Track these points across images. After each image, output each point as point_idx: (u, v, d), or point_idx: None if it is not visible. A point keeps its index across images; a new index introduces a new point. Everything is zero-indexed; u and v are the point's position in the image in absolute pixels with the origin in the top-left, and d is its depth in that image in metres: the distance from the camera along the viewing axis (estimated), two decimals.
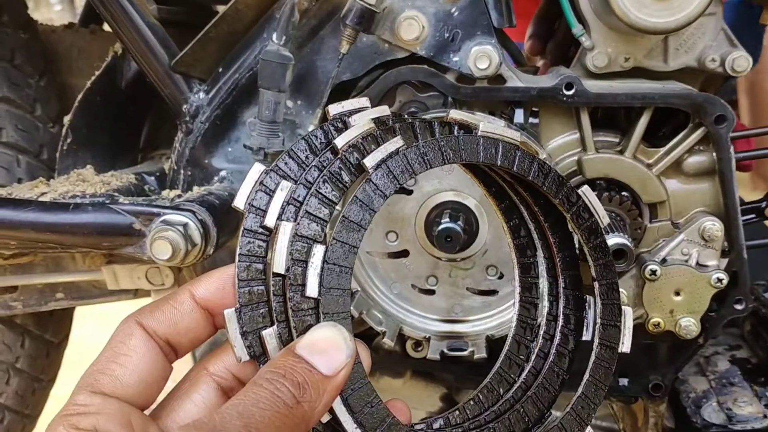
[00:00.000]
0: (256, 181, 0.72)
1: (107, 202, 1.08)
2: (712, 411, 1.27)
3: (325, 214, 0.71)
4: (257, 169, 0.72)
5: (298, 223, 0.70)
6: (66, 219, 1.06)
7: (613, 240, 1.05)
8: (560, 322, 0.83)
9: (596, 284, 0.79)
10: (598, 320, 0.79)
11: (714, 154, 1.10)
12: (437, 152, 0.73)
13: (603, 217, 0.80)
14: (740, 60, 1.07)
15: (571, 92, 1.06)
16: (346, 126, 0.76)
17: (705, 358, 1.40)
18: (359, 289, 1.17)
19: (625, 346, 0.80)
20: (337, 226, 0.68)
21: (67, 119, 1.29)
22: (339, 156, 0.73)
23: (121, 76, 1.36)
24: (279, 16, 1.07)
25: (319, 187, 0.71)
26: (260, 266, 0.70)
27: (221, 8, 1.20)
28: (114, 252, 1.10)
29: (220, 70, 1.16)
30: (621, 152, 1.11)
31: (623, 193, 1.12)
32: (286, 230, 0.69)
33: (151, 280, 1.25)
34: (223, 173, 1.17)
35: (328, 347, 0.64)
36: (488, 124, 0.77)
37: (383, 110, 0.78)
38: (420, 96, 1.12)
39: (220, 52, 1.16)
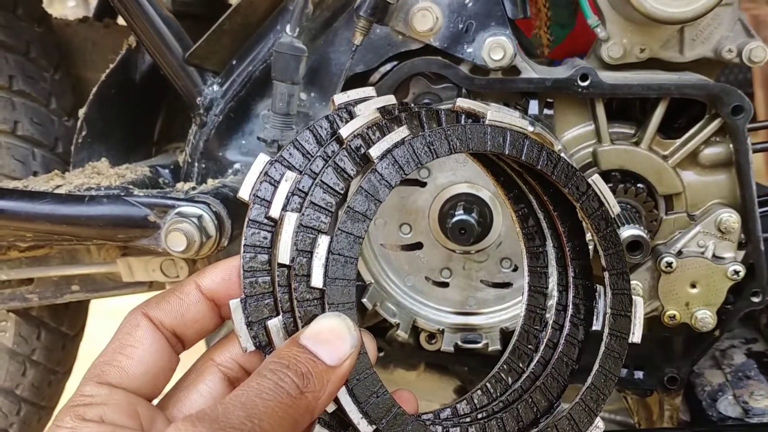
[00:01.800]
0: (261, 172, 0.72)
1: (122, 194, 1.08)
2: (728, 404, 1.26)
3: (330, 204, 0.70)
4: (262, 159, 0.72)
5: (303, 214, 0.69)
6: (81, 211, 1.06)
7: (628, 232, 1.05)
8: (570, 311, 0.83)
9: (606, 274, 0.78)
10: (608, 310, 0.78)
11: (731, 145, 1.09)
12: (443, 141, 0.72)
13: (614, 206, 0.79)
14: (757, 50, 1.06)
15: (586, 83, 1.06)
16: (351, 116, 0.75)
17: (721, 351, 1.39)
18: (373, 281, 1.17)
19: (636, 336, 0.78)
20: (342, 217, 0.68)
21: (81, 112, 1.30)
22: (344, 146, 0.72)
23: (136, 69, 1.36)
24: (292, 7, 1.07)
25: (324, 178, 0.71)
26: (265, 257, 0.70)
27: (235, 0, 1.20)
28: (129, 244, 1.11)
29: (234, 62, 1.16)
30: (636, 144, 1.11)
31: (639, 184, 1.11)
32: (290, 221, 0.69)
33: (166, 273, 1.25)
34: (237, 166, 1.18)
35: (332, 337, 0.64)
36: (496, 113, 0.76)
37: (389, 99, 0.78)
38: (434, 88, 1.12)
39: (233, 44, 1.16)
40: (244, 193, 0.71)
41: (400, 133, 0.72)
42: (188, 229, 1.01)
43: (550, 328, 0.83)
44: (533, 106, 1.10)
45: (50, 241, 1.19)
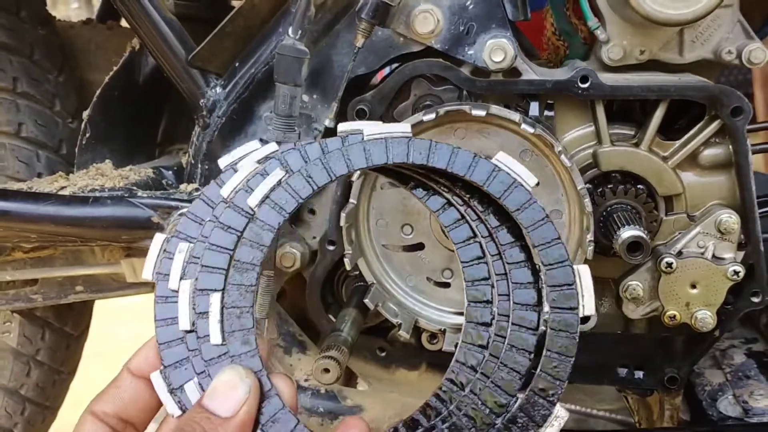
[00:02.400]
0: (160, 250, 0.76)
1: (126, 195, 1.09)
2: (728, 404, 1.27)
3: (221, 261, 0.74)
4: (159, 238, 0.77)
5: (197, 279, 0.73)
6: (85, 212, 1.07)
7: (628, 233, 1.05)
8: (513, 298, 0.78)
9: (536, 250, 0.76)
10: (546, 286, 0.75)
11: (730, 146, 1.10)
12: (322, 170, 0.76)
13: (528, 178, 0.78)
14: (757, 52, 1.06)
15: (586, 85, 1.06)
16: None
17: (721, 351, 1.39)
18: (375, 281, 1.18)
19: (587, 308, 0.74)
20: (231, 271, 0.73)
21: (85, 114, 1.31)
22: (228, 204, 0.76)
23: (139, 72, 1.37)
24: (295, 10, 1.07)
25: (212, 239, 0.74)
26: (178, 326, 0.73)
27: (237, 3, 1.21)
28: (133, 245, 1.12)
29: (237, 64, 1.17)
30: (636, 145, 1.11)
31: (639, 185, 1.11)
32: (184, 288, 0.73)
33: None
34: None
35: (225, 389, 0.68)
36: (372, 127, 0.79)
37: (270, 148, 0.81)
38: (435, 89, 1.13)
39: (236, 46, 1.17)
40: (147, 273, 0.76)
41: (276, 175, 0.76)
42: None
43: (496, 320, 0.78)
44: (534, 108, 1.11)
45: (54, 242, 1.21)
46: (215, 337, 0.71)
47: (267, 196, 0.75)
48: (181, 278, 0.74)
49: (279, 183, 0.76)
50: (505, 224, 0.80)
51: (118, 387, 0.75)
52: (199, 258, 0.74)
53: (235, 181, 0.77)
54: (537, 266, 0.77)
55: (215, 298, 0.72)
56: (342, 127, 0.82)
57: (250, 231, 0.74)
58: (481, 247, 0.81)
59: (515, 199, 0.77)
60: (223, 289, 0.72)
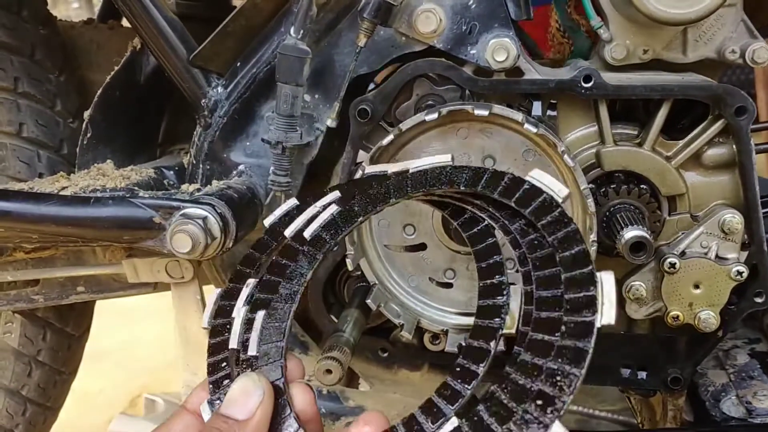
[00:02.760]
0: (217, 299, 0.87)
1: (127, 195, 1.09)
2: (732, 404, 1.26)
3: (276, 283, 0.85)
4: (215, 293, 0.88)
5: (251, 304, 0.84)
6: (87, 212, 1.07)
7: (631, 233, 1.05)
8: (534, 308, 0.70)
9: (557, 256, 0.72)
10: (564, 295, 0.68)
11: (734, 146, 1.09)
12: (364, 205, 0.89)
13: (559, 191, 0.79)
14: (760, 51, 1.06)
15: (589, 84, 1.06)
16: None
17: (724, 351, 1.39)
18: (377, 282, 1.17)
19: (605, 316, 0.65)
20: (280, 290, 0.84)
21: (86, 114, 1.30)
22: (286, 241, 0.90)
23: (140, 71, 1.37)
24: (296, 9, 1.07)
25: (272, 269, 0.86)
26: (226, 364, 0.81)
27: (239, 2, 1.20)
28: (134, 245, 1.11)
29: (238, 64, 1.17)
30: (640, 145, 1.11)
31: (642, 185, 1.11)
32: (240, 313, 0.83)
33: (171, 273, 1.26)
34: (241, 167, 1.18)
35: (241, 395, 0.73)
36: (417, 162, 0.91)
37: (334, 195, 0.93)
38: (437, 89, 1.12)
39: (238, 46, 1.16)
40: (204, 322, 0.85)
41: (330, 209, 0.90)
42: (193, 230, 1.02)
43: (519, 332, 0.75)
44: (537, 108, 1.11)
45: (56, 242, 1.20)
46: (252, 349, 0.79)
47: (321, 227, 0.88)
48: (243, 306, 0.84)
49: (333, 216, 0.89)
50: (531, 232, 0.79)
51: (171, 419, 0.79)
52: (257, 288, 0.86)
53: (296, 224, 0.91)
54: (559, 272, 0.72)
55: (260, 314, 0.81)
56: (368, 169, 0.95)
57: (296, 260, 0.86)
58: (504, 268, 0.79)
59: (540, 209, 0.78)
60: (268, 308, 0.82)
